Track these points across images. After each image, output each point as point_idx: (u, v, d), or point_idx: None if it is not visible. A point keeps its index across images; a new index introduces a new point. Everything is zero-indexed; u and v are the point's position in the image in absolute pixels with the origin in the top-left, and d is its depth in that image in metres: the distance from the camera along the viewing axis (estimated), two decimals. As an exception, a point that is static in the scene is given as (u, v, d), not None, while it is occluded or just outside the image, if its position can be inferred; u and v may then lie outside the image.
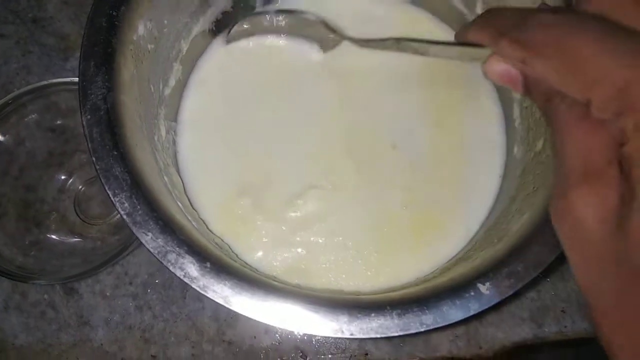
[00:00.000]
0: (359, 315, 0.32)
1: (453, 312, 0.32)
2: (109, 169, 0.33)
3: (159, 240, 0.32)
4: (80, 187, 0.51)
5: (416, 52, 0.34)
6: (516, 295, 0.48)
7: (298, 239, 0.45)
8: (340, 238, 0.44)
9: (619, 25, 0.22)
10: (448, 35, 0.50)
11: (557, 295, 0.50)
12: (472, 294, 0.32)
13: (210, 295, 0.32)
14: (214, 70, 0.49)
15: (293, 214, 0.45)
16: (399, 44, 0.35)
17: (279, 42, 0.50)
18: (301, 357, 0.48)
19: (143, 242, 0.32)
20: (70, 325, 0.48)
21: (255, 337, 0.49)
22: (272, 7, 0.50)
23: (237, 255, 0.42)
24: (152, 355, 0.48)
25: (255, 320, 0.48)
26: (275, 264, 0.44)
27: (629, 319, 0.21)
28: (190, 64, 0.48)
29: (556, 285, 0.51)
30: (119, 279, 0.49)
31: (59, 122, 0.49)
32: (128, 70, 0.37)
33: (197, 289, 0.32)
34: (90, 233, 0.50)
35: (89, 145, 0.33)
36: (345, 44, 0.47)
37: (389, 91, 0.48)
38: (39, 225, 0.49)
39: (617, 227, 0.20)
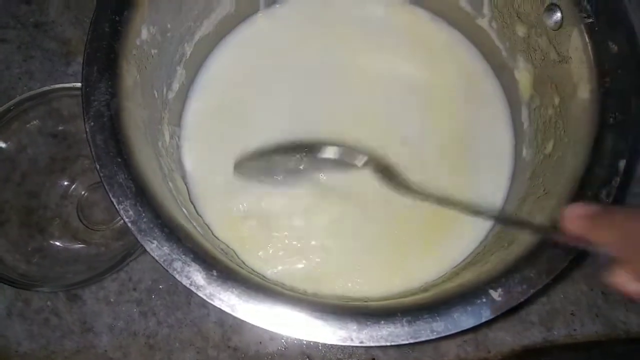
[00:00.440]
0: (369, 323, 0.31)
1: (464, 319, 0.31)
2: (113, 176, 0.32)
3: (165, 248, 0.32)
4: (83, 192, 0.50)
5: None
6: (527, 301, 0.48)
7: (307, 244, 0.44)
8: (351, 242, 0.44)
9: None
10: (451, 36, 0.49)
11: (566, 299, 0.50)
12: (484, 300, 0.32)
13: (217, 303, 0.31)
14: (218, 74, 0.49)
15: (302, 220, 0.45)
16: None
17: (285, 45, 0.50)
18: (308, 363, 0.48)
19: (148, 250, 0.31)
20: (74, 332, 0.48)
21: (260, 342, 0.48)
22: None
23: (243, 262, 0.42)
24: (157, 362, 0.47)
25: (261, 327, 0.48)
26: (280, 268, 0.43)
27: None
28: (194, 68, 0.48)
29: (565, 288, 0.50)
30: (122, 285, 0.49)
31: (60, 127, 0.49)
32: (131, 75, 0.36)
33: (204, 297, 0.31)
34: (94, 239, 0.49)
35: (93, 152, 0.33)
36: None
37: (397, 95, 0.47)
38: (42, 232, 0.48)
39: None
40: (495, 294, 0.32)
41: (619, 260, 0.26)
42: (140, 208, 0.32)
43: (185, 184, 0.44)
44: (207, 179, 0.46)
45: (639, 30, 0.41)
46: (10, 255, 0.45)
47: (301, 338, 0.31)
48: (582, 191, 0.34)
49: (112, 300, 0.49)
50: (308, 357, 0.48)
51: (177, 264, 0.31)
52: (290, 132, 0.47)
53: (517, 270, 0.32)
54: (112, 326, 0.48)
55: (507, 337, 0.49)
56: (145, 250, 0.46)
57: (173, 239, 0.32)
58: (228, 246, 0.42)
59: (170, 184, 0.39)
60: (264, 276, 0.39)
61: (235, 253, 0.42)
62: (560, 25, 0.39)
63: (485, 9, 0.45)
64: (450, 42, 0.49)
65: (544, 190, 0.38)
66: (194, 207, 0.43)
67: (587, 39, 0.37)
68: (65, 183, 0.50)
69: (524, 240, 0.35)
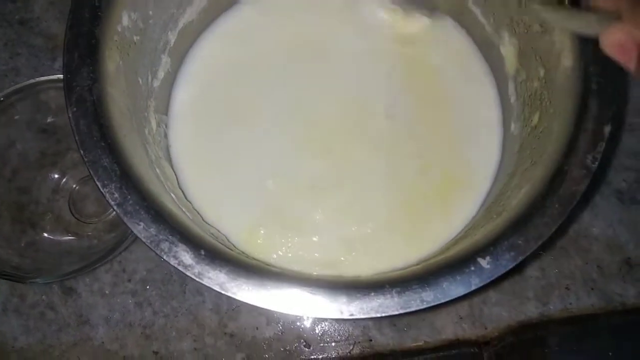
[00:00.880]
0: (358, 295, 0.31)
1: (454, 287, 0.31)
2: (97, 160, 0.32)
3: (151, 229, 0.32)
4: (74, 186, 0.50)
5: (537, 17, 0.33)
6: (517, 269, 0.48)
7: (307, 226, 0.44)
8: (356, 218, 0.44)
9: None
10: (434, 13, 0.49)
11: (561, 273, 0.50)
12: (473, 268, 0.32)
13: (205, 282, 0.31)
14: (204, 62, 0.49)
15: (298, 200, 0.45)
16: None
17: (270, 32, 0.50)
18: (304, 346, 0.48)
19: (135, 232, 0.31)
20: (70, 325, 0.48)
21: (257, 328, 0.48)
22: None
23: (234, 245, 0.42)
24: (154, 352, 0.47)
25: (257, 312, 0.48)
26: (280, 253, 0.43)
27: None
28: (179, 56, 0.48)
29: (560, 262, 0.50)
30: (117, 277, 0.49)
31: (49, 121, 0.49)
32: (113, 61, 0.36)
33: (192, 276, 0.31)
34: (86, 232, 0.49)
35: (76, 137, 0.33)
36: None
37: (383, 73, 0.47)
38: (34, 227, 0.48)
39: None
40: (484, 262, 0.32)
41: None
42: (125, 191, 0.32)
43: (174, 172, 0.44)
44: (196, 167, 0.46)
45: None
46: (3, 250, 0.45)
47: (290, 313, 0.31)
48: (568, 158, 0.34)
49: (107, 292, 0.49)
50: (305, 341, 0.48)
51: (165, 245, 0.31)
52: (278, 118, 0.47)
53: (505, 237, 0.32)
54: (108, 318, 0.48)
55: (503, 313, 0.49)
56: (136, 239, 0.46)
57: (160, 220, 0.32)
58: (219, 231, 0.42)
59: (157, 170, 0.39)
60: (266, 262, 0.40)
61: (227, 237, 0.42)
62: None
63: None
64: (434, 19, 0.49)
65: (531, 162, 0.38)
66: (183, 193, 0.43)
67: (568, 8, 0.37)
68: (56, 177, 0.50)
69: (512, 210, 0.35)
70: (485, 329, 0.48)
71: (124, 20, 0.37)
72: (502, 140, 0.47)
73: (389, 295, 0.31)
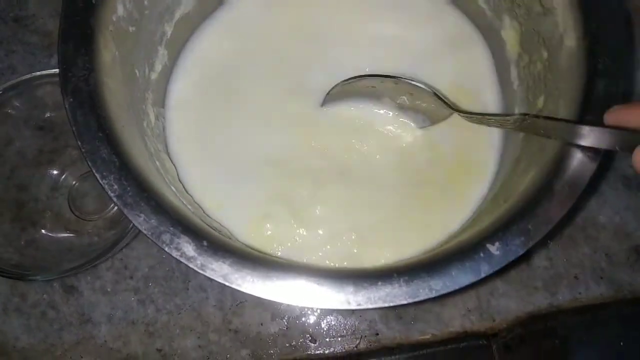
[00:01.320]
0: (365, 285, 0.30)
1: (463, 275, 0.30)
2: (96, 151, 0.32)
3: (152, 220, 0.31)
4: (73, 183, 0.50)
5: (544, 134, 0.34)
6: (525, 259, 0.48)
7: (312, 218, 0.43)
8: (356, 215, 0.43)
9: None
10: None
11: (569, 262, 0.49)
12: (482, 255, 0.31)
13: (209, 274, 0.30)
14: (201, 54, 0.48)
15: (303, 191, 0.44)
16: (523, 122, 0.35)
17: (268, 22, 0.49)
18: (310, 341, 0.47)
19: (136, 224, 0.31)
20: (72, 324, 0.47)
21: (262, 324, 0.47)
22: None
23: (237, 239, 0.41)
24: (157, 349, 0.47)
25: (261, 307, 0.48)
26: (289, 245, 0.42)
27: None
28: (177, 48, 0.47)
29: (568, 252, 0.49)
30: (118, 274, 0.48)
31: (47, 117, 0.48)
32: (109, 52, 0.36)
33: (195, 268, 0.30)
34: (86, 229, 0.48)
35: (73, 128, 0.32)
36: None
37: (381, 57, 0.46)
38: (34, 225, 0.48)
39: None
40: (493, 248, 0.31)
41: None
42: (125, 182, 0.31)
43: (174, 165, 0.43)
44: (194, 159, 0.45)
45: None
46: (3, 248, 0.44)
47: (296, 304, 0.30)
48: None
49: (109, 290, 0.48)
50: (310, 336, 0.47)
51: (166, 236, 0.31)
52: (277, 109, 0.46)
53: (514, 223, 0.32)
54: (111, 316, 0.48)
55: (512, 304, 0.48)
56: (138, 235, 0.45)
57: (160, 211, 0.31)
58: (221, 224, 0.41)
59: (157, 162, 0.38)
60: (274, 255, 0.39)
61: (229, 231, 0.41)
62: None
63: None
64: (434, 3, 0.48)
65: (538, 148, 0.38)
66: (184, 187, 0.42)
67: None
68: (55, 174, 0.50)
69: (520, 195, 0.34)
70: (494, 320, 0.48)
71: (119, 10, 0.37)
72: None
73: (396, 285, 0.30)
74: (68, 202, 0.49)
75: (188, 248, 0.31)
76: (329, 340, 0.47)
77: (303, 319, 0.47)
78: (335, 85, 0.43)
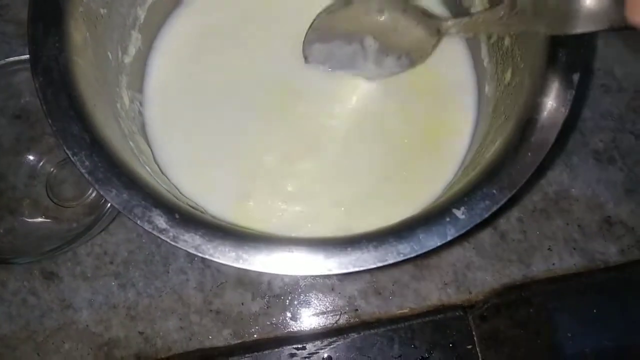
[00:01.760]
0: (336, 251, 0.31)
1: (430, 238, 0.31)
2: (66, 128, 0.32)
3: (124, 195, 0.31)
4: (51, 170, 0.50)
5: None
6: (493, 220, 0.49)
7: (282, 206, 0.44)
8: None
9: None
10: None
11: (542, 234, 0.50)
12: (448, 219, 0.32)
13: (181, 245, 0.31)
14: (176, 38, 0.49)
15: (283, 169, 0.45)
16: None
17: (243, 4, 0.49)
18: (290, 319, 0.48)
19: (108, 198, 0.31)
20: (54, 310, 0.47)
21: (243, 303, 0.48)
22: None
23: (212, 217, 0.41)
24: (139, 332, 0.47)
25: (242, 288, 0.48)
26: (273, 222, 0.43)
27: None
28: (151, 33, 0.47)
29: (541, 224, 0.50)
30: (99, 259, 0.49)
31: (23, 105, 0.48)
32: (80, 33, 0.36)
33: (167, 240, 0.31)
34: (65, 215, 0.49)
35: (44, 107, 0.32)
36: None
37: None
38: (12, 213, 0.48)
39: None
40: (459, 212, 0.32)
41: None
42: (96, 158, 0.32)
43: (150, 148, 0.44)
44: (173, 144, 0.46)
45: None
46: (-19, 236, 0.44)
47: (266, 271, 0.31)
48: (538, 107, 0.34)
49: (89, 275, 0.48)
50: (291, 314, 0.48)
51: (138, 210, 0.31)
52: (256, 89, 0.47)
53: (479, 187, 0.32)
54: (92, 301, 0.48)
55: (487, 277, 0.49)
56: (114, 218, 0.46)
57: (132, 186, 0.32)
58: (197, 204, 0.42)
59: (131, 143, 0.39)
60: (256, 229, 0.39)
61: (206, 210, 0.42)
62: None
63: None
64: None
65: (505, 117, 0.39)
66: (160, 168, 0.43)
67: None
68: (33, 162, 0.50)
69: (486, 162, 0.35)
70: (470, 293, 0.49)
71: (89, -9, 0.37)
72: (478, 103, 0.47)
73: (365, 250, 0.31)
74: (46, 189, 0.49)
75: (160, 221, 0.31)
76: (309, 317, 0.48)
77: (283, 297, 0.48)
78: (319, 14, 0.43)
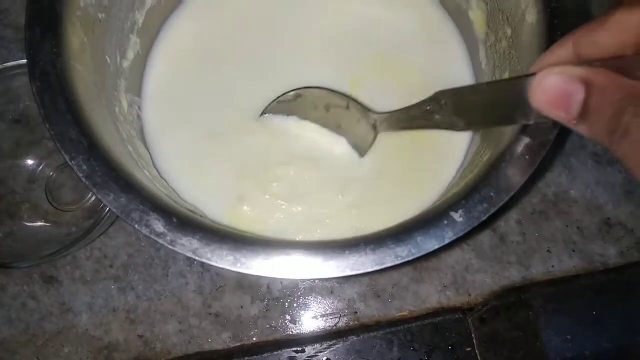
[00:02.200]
0: (334, 255, 0.31)
1: (428, 241, 0.31)
2: (64, 132, 0.32)
3: (122, 199, 0.31)
4: (51, 174, 0.50)
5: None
6: (490, 223, 0.48)
7: (282, 206, 0.44)
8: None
9: None
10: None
11: (542, 237, 0.50)
12: (446, 222, 0.32)
13: (179, 249, 0.31)
14: (175, 42, 0.49)
15: (280, 173, 0.45)
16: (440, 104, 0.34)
17: (241, 8, 0.49)
18: (290, 322, 0.47)
19: (106, 203, 0.31)
20: (53, 314, 0.48)
21: (242, 307, 0.48)
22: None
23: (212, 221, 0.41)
24: (139, 336, 0.47)
25: (241, 291, 0.48)
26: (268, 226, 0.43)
27: None
28: (149, 37, 0.48)
29: (541, 226, 0.50)
30: (98, 263, 0.49)
31: (23, 110, 0.48)
32: (78, 37, 0.36)
33: (165, 244, 0.31)
34: (65, 220, 0.49)
35: (41, 112, 0.32)
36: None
37: (352, 40, 0.47)
38: (12, 217, 0.48)
39: None
40: (457, 215, 0.32)
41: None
42: (94, 162, 0.32)
43: (149, 152, 0.44)
44: (171, 147, 0.46)
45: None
46: (-19, 241, 0.45)
47: (265, 275, 0.31)
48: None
49: (89, 279, 0.48)
50: (290, 317, 0.48)
51: (136, 214, 0.31)
52: (254, 93, 0.47)
53: (477, 190, 0.32)
54: (91, 305, 0.48)
55: (487, 279, 0.49)
56: (114, 223, 0.46)
57: (130, 190, 0.32)
58: (196, 207, 0.42)
59: (130, 147, 0.39)
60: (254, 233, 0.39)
61: (205, 214, 0.42)
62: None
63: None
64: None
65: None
66: (159, 172, 0.43)
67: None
68: (32, 167, 0.50)
69: (484, 166, 0.35)
70: (469, 295, 0.49)
71: (87, -4, 0.37)
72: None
73: (363, 253, 0.31)
74: (46, 193, 0.49)
75: (158, 225, 0.31)
76: (309, 320, 0.48)
77: (282, 300, 0.48)
78: (270, 103, 0.44)
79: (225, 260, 0.31)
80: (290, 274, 0.31)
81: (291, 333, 0.47)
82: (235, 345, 0.47)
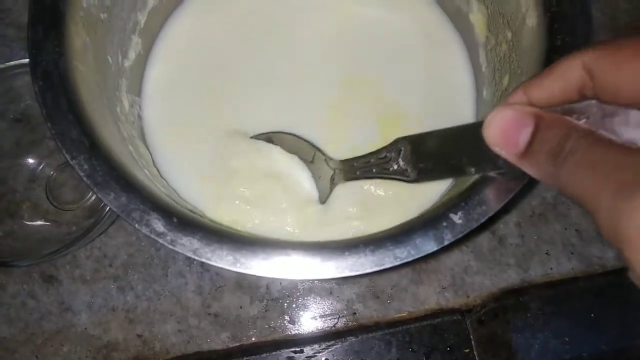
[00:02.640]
0: (333, 256, 0.31)
1: (427, 243, 0.31)
2: (65, 132, 0.32)
3: (122, 198, 0.32)
4: (51, 173, 0.50)
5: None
6: (489, 225, 0.49)
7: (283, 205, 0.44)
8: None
9: None
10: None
11: (540, 239, 0.50)
12: (445, 224, 0.32)
13: (179, 249, 0.31)
14: (175, 42, 0.49)
15: (273, 179, 0.45)
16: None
17: (240, 9, 0.49)
18: (289, 322, 0.48)
19: (106, 202, 0.31)
20: (53, 313, 0.48)
21: (241, 307, 0.48)
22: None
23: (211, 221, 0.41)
24: (138, 335, 0.47)
25: (240, 291, 0.48)
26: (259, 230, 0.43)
27: None
28: (151, 37, 0.48)
29: (539, 228, 0.51)
30: (98, 262, 0.49)
31: (23, 108, 0.48)
32: (80, 37, 0.36)
33: (165, 244, 0.31)
34: (65, 219, 0.49)
35: (43, 111, 0.33)
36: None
37: (352, 42, 0.47)
38: (12, 216, 0.48)
39: None
40: (456, 217, 0.32)
41: None
42: (95, 162, 0.32)
43: (149, 152, 0.44)
44: (172, 148, 0.46)
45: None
46: (-19, 239, 0.45)
47: (264, 275, 0.31)
48: (535, 113, 0.34)
49: (88, 278, 0.48)
50: (289, 317, 0.48)
51: (136, 214, 0.31)
52: (254, 93, 0.47)
53: (476, 192, 0.33)
54: (91, 304, 0.48)
55: (485, 281, 0.49)
56: (114, 222, 0.46)
57: (130, 189, 0.32)
58: (196, 207, 0.42)
59: (130, 147, 0.39)
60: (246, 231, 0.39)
61: (205, 214, 0.42)
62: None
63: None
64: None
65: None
66: (159, 172, 0.43)
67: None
68: (33, 166, 0.50)
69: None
70: (468, 297, 0.49)
71: (89, -4, 0.37)
72: (476, 107, 0.47)
73: (362, 254, 0.31)
74: (46, 192, 0.50)
75: (158, 224, 0.31)
76: (307, 321, 0.48)
77: (281, 301, 0.48)
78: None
79: (225, 260, 0.31)
80: (289, 274, 0.31)
81: (290, 333, 0.47)
82: (234, 345, 0.47)
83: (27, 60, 0.44)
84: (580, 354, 0.46)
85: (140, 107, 0.46)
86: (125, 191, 0.32)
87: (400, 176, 0.36)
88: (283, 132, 0.44)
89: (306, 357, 0.46)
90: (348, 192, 0.43)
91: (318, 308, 0.48)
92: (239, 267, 0.31)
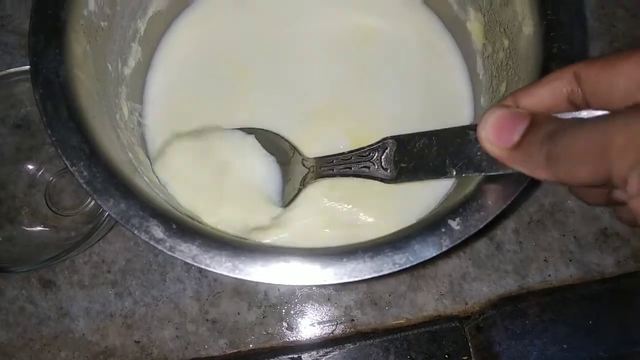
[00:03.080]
0: (332, 262, 0.31)
1: (425, 249, 0.32)
2: (65, 139, 0.32)
3: (122, 205, 0.32)
4: (50, 179, 0.50)
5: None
6: (487, 231, 0.49)
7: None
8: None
9: None
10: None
11: (538, 246, 0.50)
12: (443, 230, 0.32)
13: (178, 255, 0.31)
14: (176, 50, 0.49)
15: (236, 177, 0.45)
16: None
17: (242, 19, 0.50)
18: (287, 329, 0.48)
19: (105, 208, 0.32)
20: (51, 318, 0.48)
21: (239, 313, 0.48)
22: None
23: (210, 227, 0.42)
24: (135, 341, 0.47)
25: (238, 297, 0.48)
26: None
27: None
28: (151, 45, 0.48)
29: (537, 235, 0.51)
30: (96, 268, 0.49)
31: (23, 114, 0.49)
32: (80, 45, 0.36)
33: (164, 250, 0.31)
34: (64, 224, 0.49)
35: (44, 119, 0.33)
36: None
37: (350, 53, 0.48)
38: (11, 221, 0.48)
39: None
40: (454, 223, 0.32)
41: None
42: (94, 169, 0.32)
43: (148, 158, 0.44)
44: (170, 155, 0.46)
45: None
46: (-20, 245, 0.45)
47: (263, 281, 0.31)
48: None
49: (86, 283, 0.49)
50: (287, 324, 0.48)
51: (135, 220, 0.32)
52: (254, 102, 0.47)
53: (474, 198, 0.33)
54: (89, 309, 0.48)
55: (483, 288, 0.49)
56: (112, 228, 0.46)
57: (130, 196, 0.32)
58: (195, 214, 0.42)
59: (130, 154, 0.39)
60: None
61: (203, 221, 0.42)
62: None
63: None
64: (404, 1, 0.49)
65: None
66: (158, 179, 0.43)
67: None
68: (32, 171, 0.50)
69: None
70: (466, 304, 0.49)
71: (90, 4, 0.37)
72: (474, 114, 0.47)
73: (361, 260, 0.31)
74: (45, 198, 0.50)
75: (157, 231, 0.31)
76: (305, 327, 0.48)
77: (279, 307, 0.48)
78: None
79: (223, 267, 0.31)
80: (288, 280, 0.31)
81: (288, 340, 0.47)
82: (232, 351, 0.47)
83: (27, 67, 0.44)
84: (579, 361, 0.46)
85: (140, 114, 0.46)
86: (125, 198, 0.32)
87: (379, 175, 0.36)
88: (266, 130, 0.44)
89: (304, 364, 0.46)
90: (311, 202, 0.44)
91: (316, 315, 0.48)
92: (237, 273, 0.31)
